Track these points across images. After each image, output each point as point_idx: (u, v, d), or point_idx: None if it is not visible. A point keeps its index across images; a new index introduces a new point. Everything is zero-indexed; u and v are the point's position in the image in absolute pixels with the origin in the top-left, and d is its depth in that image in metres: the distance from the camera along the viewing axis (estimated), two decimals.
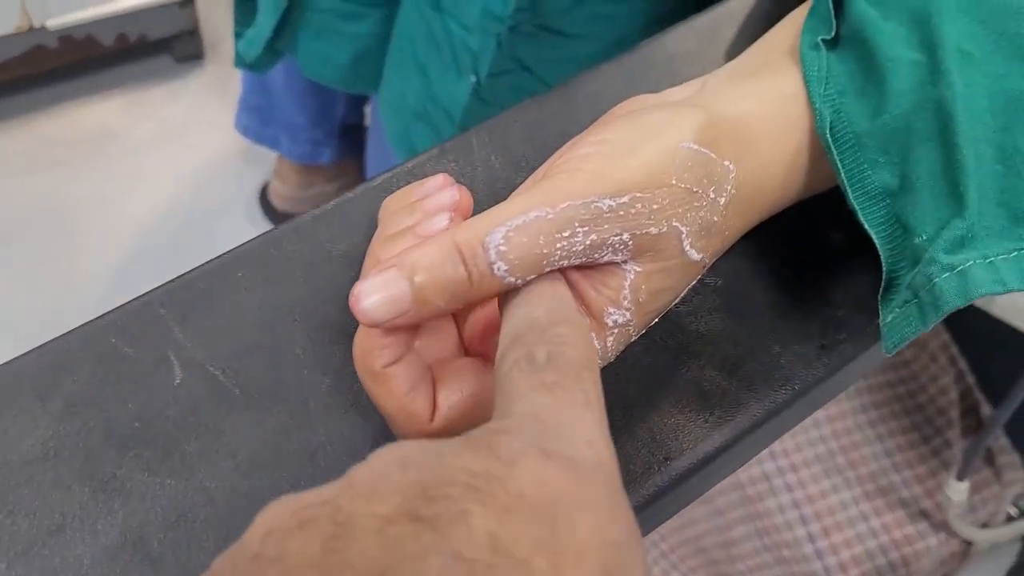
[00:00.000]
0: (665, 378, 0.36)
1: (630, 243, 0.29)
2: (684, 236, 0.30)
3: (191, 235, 1.46)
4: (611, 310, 0.30)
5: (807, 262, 0.39)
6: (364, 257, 0.38)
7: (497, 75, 0.79)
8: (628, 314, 0.30)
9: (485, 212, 0.29)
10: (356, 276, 0.38)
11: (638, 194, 0.29)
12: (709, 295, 0.38)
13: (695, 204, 0.30)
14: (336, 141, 1.32)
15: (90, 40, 1.43)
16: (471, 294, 0.28)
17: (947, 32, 0.33)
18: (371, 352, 0.29)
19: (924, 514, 1.00)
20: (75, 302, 1.38)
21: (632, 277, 0.30)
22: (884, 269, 0.32)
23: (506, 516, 0.20)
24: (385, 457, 0.22)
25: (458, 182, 0.40)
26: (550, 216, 0.28)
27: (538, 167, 0.41)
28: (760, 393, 0.36)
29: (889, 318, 0.32)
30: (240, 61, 0.99)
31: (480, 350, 0.33)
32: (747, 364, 0.36)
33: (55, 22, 1.37)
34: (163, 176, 1.50)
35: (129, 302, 0.37)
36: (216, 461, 0.34)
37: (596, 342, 0.31)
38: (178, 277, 0.37)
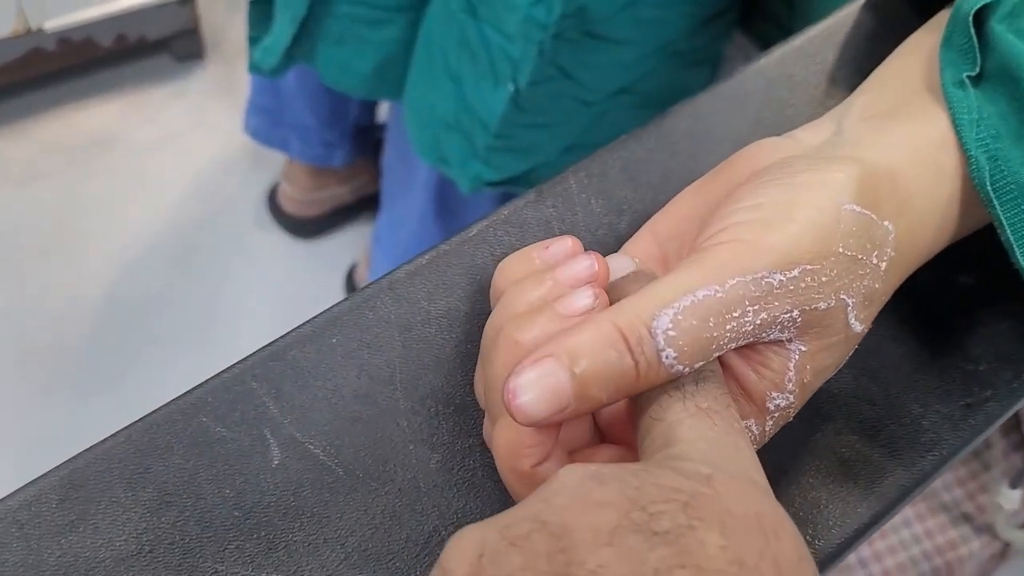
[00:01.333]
0: (800, 446, 0.34)
1: (799, 320, 0.27)
2: (850, 309, 0.28)
3: (198, 239, 1.43)
4: (774, 394, 0.28)
5: (937, 309, 0.37)
6: (465, 318, 0.35)
7: (537, 83, 0.76)
8: (791, 396, 0.28)
9: (643, 291, 0.26)
10: (457, 338, 0.35)
11: (807, 266, 0.26)
12: None
13: (859, 272, 0.27)
14: (349, 142, 1.29)
15: (89, 42, 1.38)
16: (636, 386, 0.25)
17: None
18: (519, 451, 0.27)
19: (966, 518, 0.98)
20: (82, 309, 1.35)
21: (797, 357, 0.27)
22: None
23: (726, 530, 0.20)
24: (576, 474, 0.22)
25: (559, 229, 0.38)
26: (720, 295, 0.25)
27: (640, 210, 0.38)
28: (906, 460, 0.33)
29: None
30: (255, 68, 0.95)
31: (619, 435, 0.30)
32: (887, 427, 0.34)
33: (53, 24, 1.32)
34: (167, 178, 1.46)
35: (217, 375, 0.34)
36: (324, 552, 0.31)
37: (755, 427, 0.28)
38: (268, 345, 0.34)
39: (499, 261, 0.36)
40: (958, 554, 0.96)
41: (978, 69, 0.32)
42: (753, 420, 0.28)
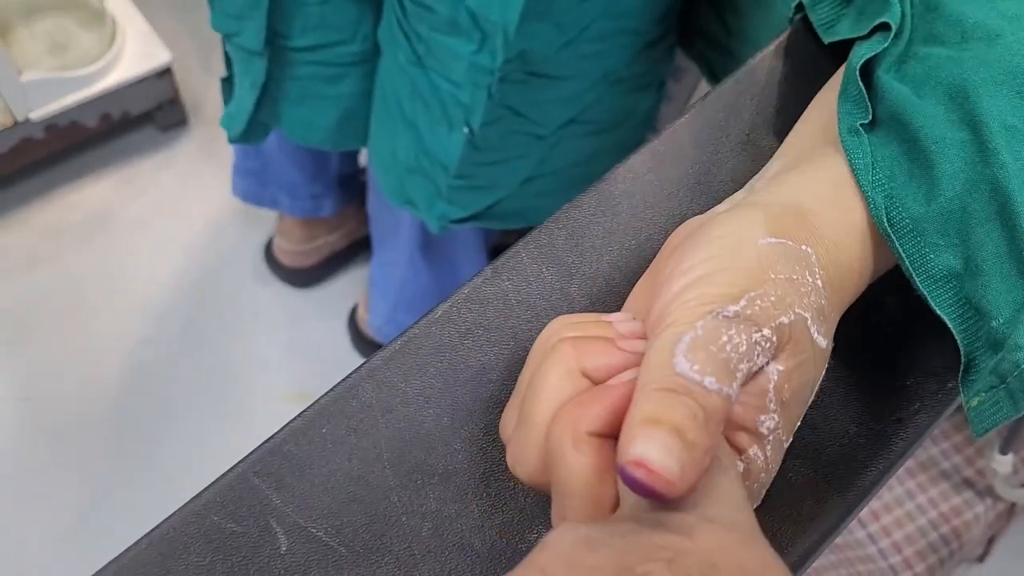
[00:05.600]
0: None
1: (773, 338, 0.29)
2: (810, 322, 0.31)
3: (202, 301, 1.47)
4: (762, 417, 0.30)
5: (866, 331, 0.40)
6: (439, 395, 0.39)
7: (489, 124, 0.80)
8: (776, 416, 0.30)
9: (643, 364, 0.28)
10: (435, 413, 0.39)
11: (751, 293, 0.29)
12: None
13: (802, 290, 0.31)
14: (335, 191, 1.33)
15: (74, 125, 1.42)
16: (707, 422, 0.27)
17: (988, 107, 0.33)
18: (585, 415, 0.29)
19: (968, 483, 1.01)
20: (100, 384, 1.39)
21: (776, 378, 0.30)
22: (961, 352, 0.33)
23: None
24: (566, 539, 0.24)
25: (516, 300, 0.42)
26: (700, 333, 0.28)
27: (587, 273, 0.42)
28: (846, 480, 0.37)
29: (975, 402, 0.32)
30: (232, 138, 0.99)
31: None
32: (828, 449, 0.37)
33: (38, 114, 1.36)
34: (165, 247, 1.50)
35: (222, 476, 0.37)
36: None
37: (759, 453, 0.31)
38: (264, 443, 0.38)
39: (464, 338, 0.40)
40: (964, 519, 0.99)
41: (871, 116, 0.36)
42: (756, 447, 0.30)
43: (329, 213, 1.34)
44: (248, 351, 1.43)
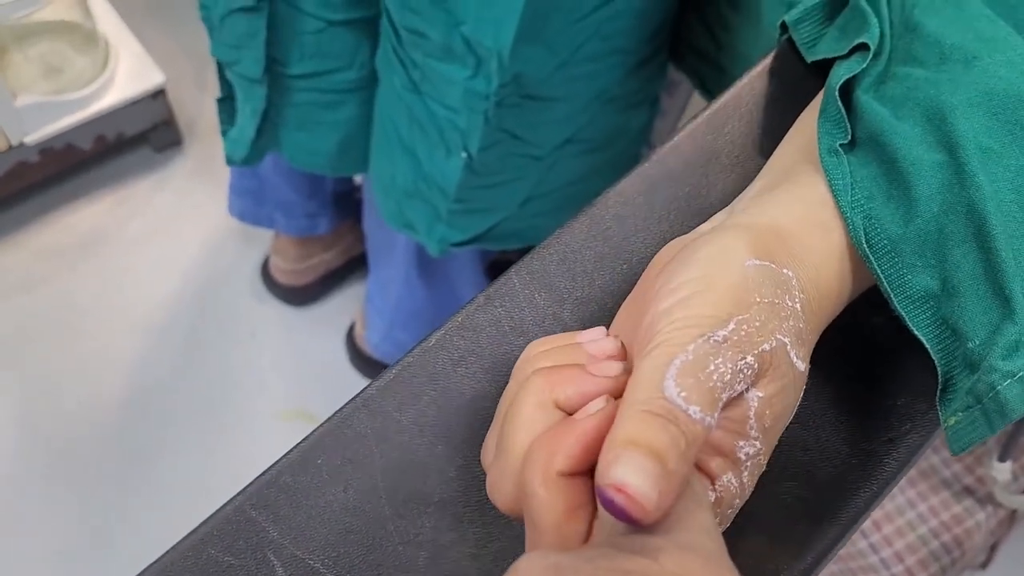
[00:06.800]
0: None
1: (755, 365, 0.29)
2: (789, 348, 0.31)
3: (200, 321, 1.47)
4: (741, 443, 0.30)
5: (855, 353, 0.40)
6: (432, 423, 0.39)
7: (487, 148, 0.81)
8: (758, 443, 0.31)
9: (635, 381, 0.29)
10: (428, 441, 0.39)
11: (739, 317, 0.30)
12: None
13: (782, 315, 0.31)
14: (331, 210, 1.33)
15: (70, 148, 1.43)
16: (687, 451, 0.27)
17: (964, 129, 0.33)
18: (555, 454, 0.29)
19: (968, 491, 1.01)
20: (98, 405, 1.39)
21: (756, 404, 0.30)
22: (939, 372, 0.34)
23: None
24: (536, 566, 0.24)
25: (509, 327, 0.42)
26: (690, 357, 0.28)
27: (579, 297, 0.42)
28: (840, 500, 0.37)
29: (952, 421, 0.33)
30: (231, 160, 1.00)
31: None
32: (821, 470, 0.38)
33: (32, 137, 1.37)
34: (162, 267, 1.51)
35: (219, 510, 0.38)
36: None
37: (733, 479, 0.31)
38: (260, 476, 0.38)
39: (457, 366, 0.40)
40: (965, 527, 0.99)
41: (850, 136, 0.36)
42: (731, 473, 0.31)
43: (325, 231, 1.35)
44: (246, 369, 1.43)
